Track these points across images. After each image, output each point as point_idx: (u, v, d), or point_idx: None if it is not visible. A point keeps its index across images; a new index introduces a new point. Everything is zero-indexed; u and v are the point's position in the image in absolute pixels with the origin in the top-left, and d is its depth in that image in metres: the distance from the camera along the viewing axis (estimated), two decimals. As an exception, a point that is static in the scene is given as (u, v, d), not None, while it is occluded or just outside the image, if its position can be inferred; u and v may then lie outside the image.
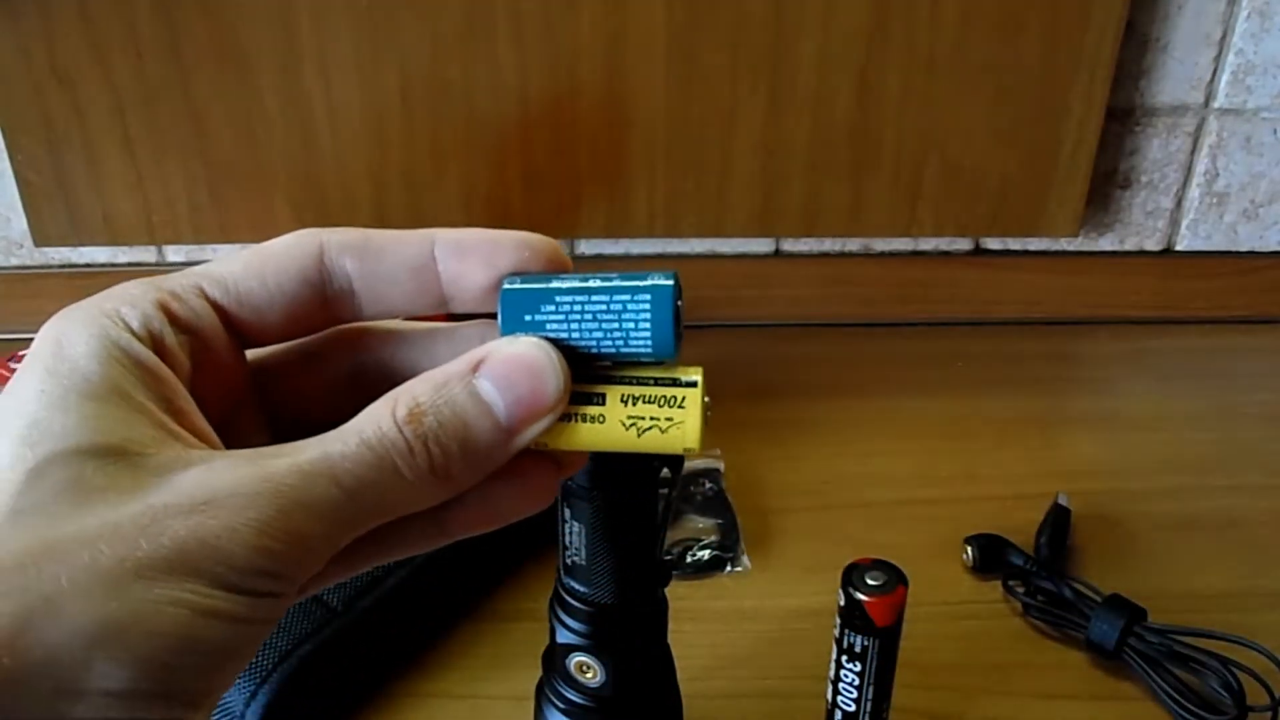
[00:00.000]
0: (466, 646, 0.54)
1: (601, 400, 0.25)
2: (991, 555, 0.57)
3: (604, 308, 0.24)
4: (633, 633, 0.38)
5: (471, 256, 0.25)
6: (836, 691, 0.45)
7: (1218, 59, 0.73)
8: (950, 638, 0.54)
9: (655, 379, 0.25)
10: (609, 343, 0.24)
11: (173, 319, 0.23)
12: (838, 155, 0.73)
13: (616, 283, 0.24)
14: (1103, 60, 0.70)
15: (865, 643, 0.43)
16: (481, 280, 0.25)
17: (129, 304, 0.23)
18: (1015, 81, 0.71)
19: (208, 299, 0.24)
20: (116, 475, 0.20)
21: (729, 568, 0.58)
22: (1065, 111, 0.72)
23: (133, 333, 0.22)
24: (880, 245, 0.79)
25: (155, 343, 0.23)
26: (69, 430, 0.21)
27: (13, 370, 0.56)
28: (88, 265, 0.79)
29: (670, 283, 0.24)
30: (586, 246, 0.78)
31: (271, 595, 0.21)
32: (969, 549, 0.58)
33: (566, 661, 0.38)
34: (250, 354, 0.26)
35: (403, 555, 0.26)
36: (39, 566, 0.19)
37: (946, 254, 0.80)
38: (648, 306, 0.24)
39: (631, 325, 0.24)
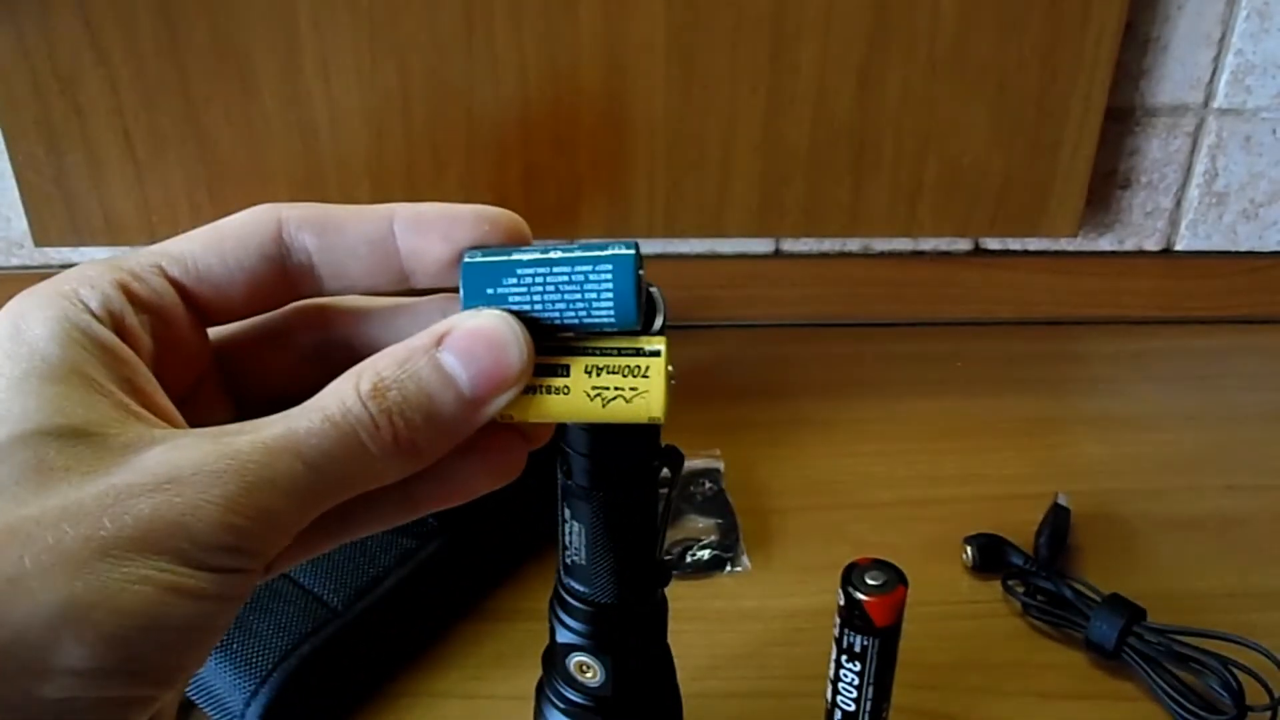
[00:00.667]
0: (466, 646, 0.54)
1: (566, 371, 0.25)
2: (991, 555, 0.57)
3: (565, 279, 0.24)
4: (633, 633, 0.38)
5: (430, 231, 0.25)
6: (836, 691, 0.45)
7: (1217, 59, 0.73)
8: (950, 637, 0.54)
9: (619, 349, 0.25)
10: (572, 314, 0.25)
11: (132, 298, 0.23)
12: (838, 155, 0.73)
13: (577, 253, 0.24)
14: (1102, 60, 0.70)
15: (865, 642, 0.43)
16: (441, 254, 0.25)
17: (88, 285, 0.23)
18: (1015, 81, 0.71)
19: (167, 277, 0.24)
20: (78, 456, 0.20)
21: (729, 568, 0.58)
22: (1065, 112, 0.72)
23: (92, 313, 0.22)
24: (880, 245, 0.79)
25: (115, 323, 0.23)
26: (29, 412, 0.21)
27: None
28: (88, 265, 0.79)
29: (631, 252, 0.24)
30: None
31: (238, 571, 0.21)
32: (968, 549, 0.58)
33: (566, 661, 0.38)
34: (213, 332, 0.26)
35: (371, 530, 0.26)
36: (1, 549, 0.19)
37: (946, 254, 0.80)
38: (609, 276, 0.24)
39: (594, 295, 0.24)
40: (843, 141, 0.72)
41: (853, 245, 0.80)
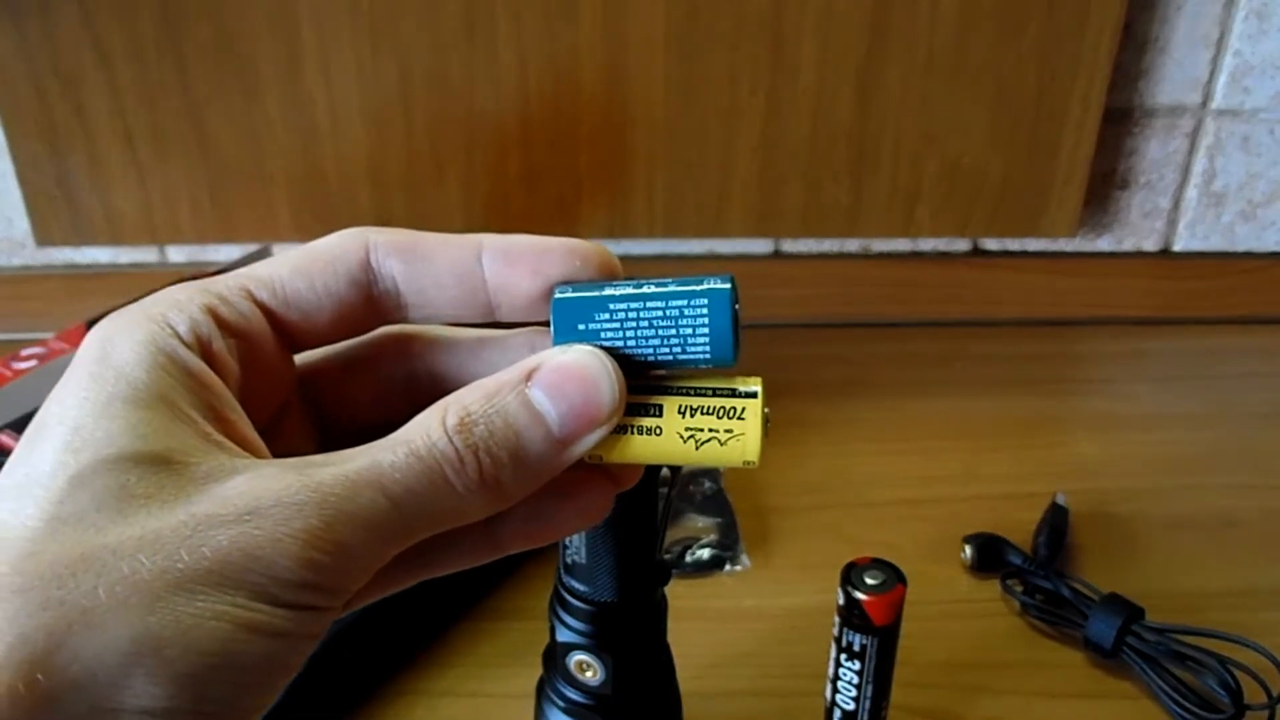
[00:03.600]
0: (467, 645, 0.54)
1: (658, 411, 0.24)
2: (990, 554, 0.57)
3: (659, 314, 0.23)
4: (633, 632, 0.38)
5: (519, 264, 0.24)
6: (835, 690, 0.46)
7: (1215, 60, 0.73)
8: (949, 637, 0.54)
9: (714, 389, 0.24)
10: (665, 350, 0.24)
11: (221, 323, 0.23)
12: (837, 155, 0.73)
13: (672, 288, 0.23)
14: (1101, 61, 0.70)
15: (864, 641, 0.44)
16: (529, 288, 0.24)
17: (176, 309, 0.22)
18: (1014, 82, 0.71)
19: (255, 301, 0.24)
20: (159, 484, 0.20)
21: (728, 567, 0.58)
22: (1064, 112, 0.72)
23: (180, 338, 0.22)
24: (880, 245, 0.80)
25: (203, 348, 0.22)
26: (112, 437, 0.20)
27: (14, 370, 0.57)
28: (90, 265, 0.79)
29: (728, 286, 0.23)
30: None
31: (316, 609, 0.20)
32: (967, 548, 0.58)
33: (567, 660, 0.39)
34: (298, 359, 0.26)
35: (453, 569, 0.25)
36: (76, 578, 0.18)
37: (945, 254, 0.80)
38: (705, 311, 0.23)
39: (689, 331, 0.23)
40: (842, 141, 0.73)
41: (852, 246, 0.80)
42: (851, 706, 0.45)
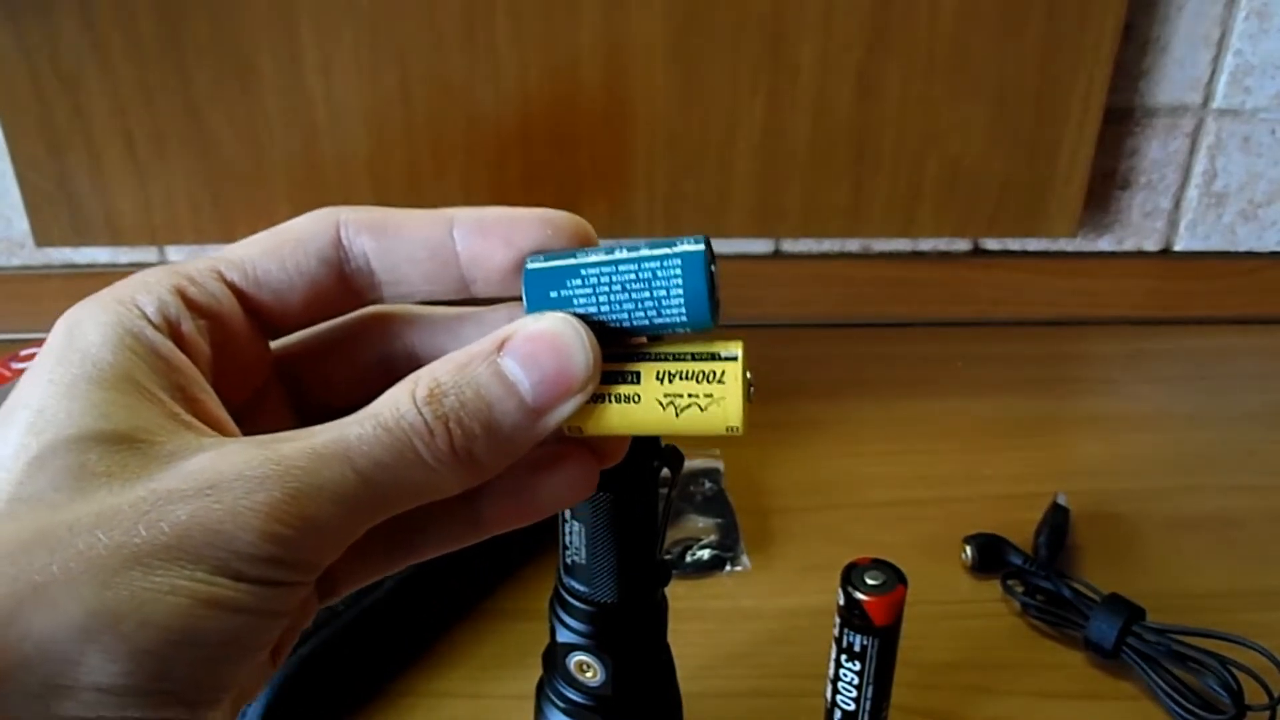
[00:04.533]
0: (467, 645, 0.54)
1: (636, 378, 0.23)
2: (990, 555, 0.57)
3: (633, 277, 0.23)
4: (633, 632, 0.38)
5: (491, 235, 0.24)
6: (836, 691, 0.46)
7: (1216, 60, 0.73)
8: (949, 637, 0.54)
9: (693, 354, 0.23)
10: (641, 315, 0.23)
11: (190, 304, 0.23)
12: (838, 155, 0.73)
13: (645, 251, 0.23)
14: (1102, 61, 0.70)
15: (864, 642, 0.43)
16: (502, 260, 0.24)
17: (144, 290, 0.22)
18: (1015, 82, 0.71)
19: (226, 282, 0.24)
20: (121, 462, 0.20)
21: (729, 567, 0.58)
22: (1064, 112, 0.72)
23: (148, 319, 0.22)
24: (880, 245, 0.80)
25: (171, 329, 0.22)
26: (74, 417, 0.20)
27: (14, 370, 0.56)
28: (89, 266, 0.79)
29: (700, 247, 0.23)
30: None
31: (281, 584, 0.20)
32: (968, 549, 0.58)
33: (567, 661, 0.39)
34: (275, 344, 0.26)
35: (439, 552, 0.25)
36: (29, 554, 0.18)
37: (946, 254, 0.80)
38: (679, 272, 0.23)
39: (663, 294, 0.23)
40: (842, 142, 0.72)
41: (852, 245, 0.80)
42: (852, 707, 0.45)
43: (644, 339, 0.24)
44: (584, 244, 0.24)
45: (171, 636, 0.19)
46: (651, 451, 0.35)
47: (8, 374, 0.56)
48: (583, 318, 0.23)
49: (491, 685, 0.52)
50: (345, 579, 0.25)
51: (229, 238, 0.75)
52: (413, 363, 0.25)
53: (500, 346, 0.22)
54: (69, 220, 0.74)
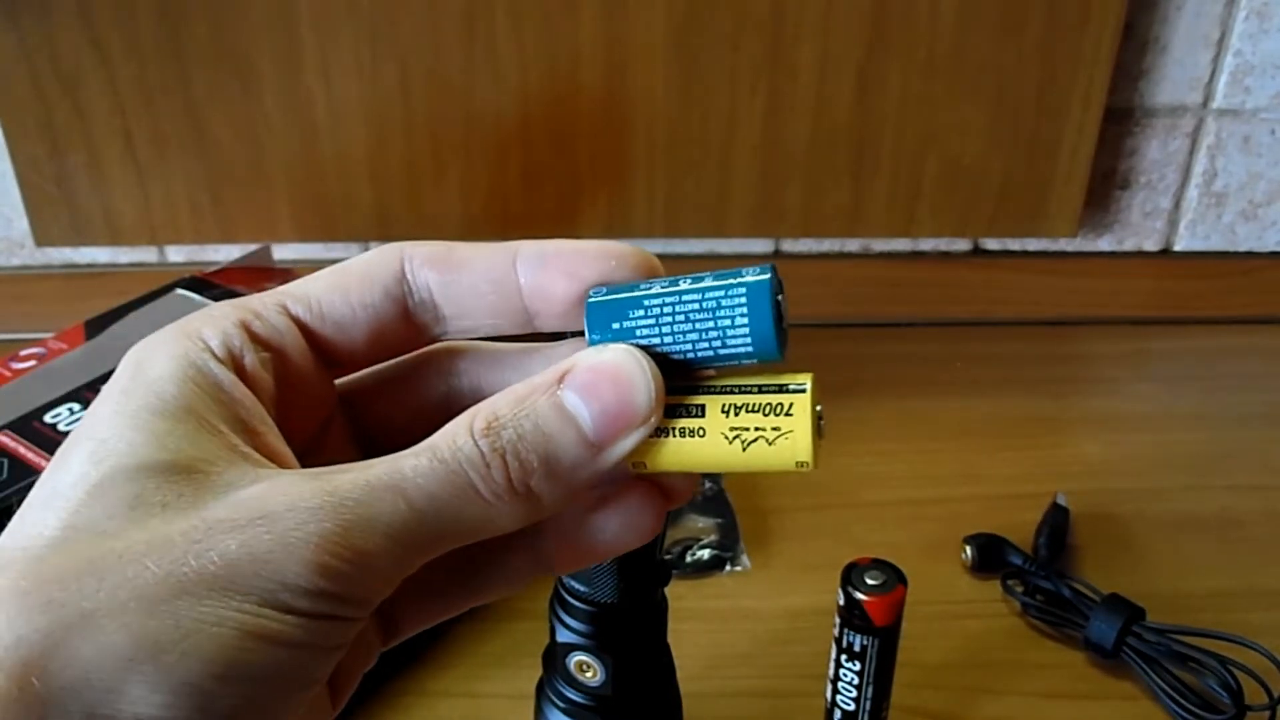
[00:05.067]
0: (467, 645, 0.54)
1: (700, 412, 0.23)
2: (990, 555, 0.57)
3: (696, 308, 0.22)
4: (633, 632, 0.38)
5: (553, 268, 0.24)
6: (836, 691, 0.46)
7: (1216, 59, 0.73)
8: (949, 637, 0.54)
9: (759, 386, 0.23)
10: (705, 346, 0.22)
11: (254, 337, 0.23)
12: (838, 155, 0.73)
13: (709, 281, 0.22)
14: (1102, 61, 0.70)
15: (864, 642, 0.43)
16: (565, 292, 0.24)
17: (210, 324, 0.22)
18: (1015, 82, 0.71)
19: (290, 316, 0.24)
20: (177, 492, 0.20)
21: (729, 567, 0.58)
22: (1064, 112, 0.72)
23: (212, 353, 0.22)
24: (880, 245, 0.80)
25: (235, 363, 0.22)
26: (134, 447, 0.20)
27: (13, 370, 0.56)
28: (89, 265, 0.79)
29: (767, 276, 0.22)
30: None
31: (333, 618, 0.20)
32: (968, 549, 0.58)
33: (566, 660, 0.39)
34: (340, 381, 0.26)
35: (504, 594, 0.25)
36: (79, 581, 0.18)
37: (946, 254, 0.80)
38: (743, 302, 0.22)
39: (728, 324, 0.22)
40: (842, 142, 0.72)
41: (852, 245, 0.80)
42: (852, 707, 0.45)
43: (710, 371, 0.23)
44: (648, 275, 0.24)
45: (216, 669, 0.18)
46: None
47: (7, 374, 0.56)
48: (646, 350, 0.23)
49: (491, 685, 0.52)
50: (408, 620, 0.25)
51: (229, 238, 0.75)
52: (477, 398, 0.25)
53: (561, 379, 0.22)
54: (69, 220, 0.74)
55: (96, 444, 0.20)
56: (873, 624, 0.43)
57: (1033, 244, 0.79)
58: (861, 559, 0.44)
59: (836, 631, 0.44)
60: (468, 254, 0.24)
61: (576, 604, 0.37)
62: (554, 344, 0.26)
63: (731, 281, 0.22)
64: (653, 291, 0.23)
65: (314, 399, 0.25)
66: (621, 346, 0.22)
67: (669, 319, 0.23)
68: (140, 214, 0.74)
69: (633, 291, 0.23)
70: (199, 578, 0.18)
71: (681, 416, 0.23)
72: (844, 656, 0.44)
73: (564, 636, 0.38)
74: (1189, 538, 0.60)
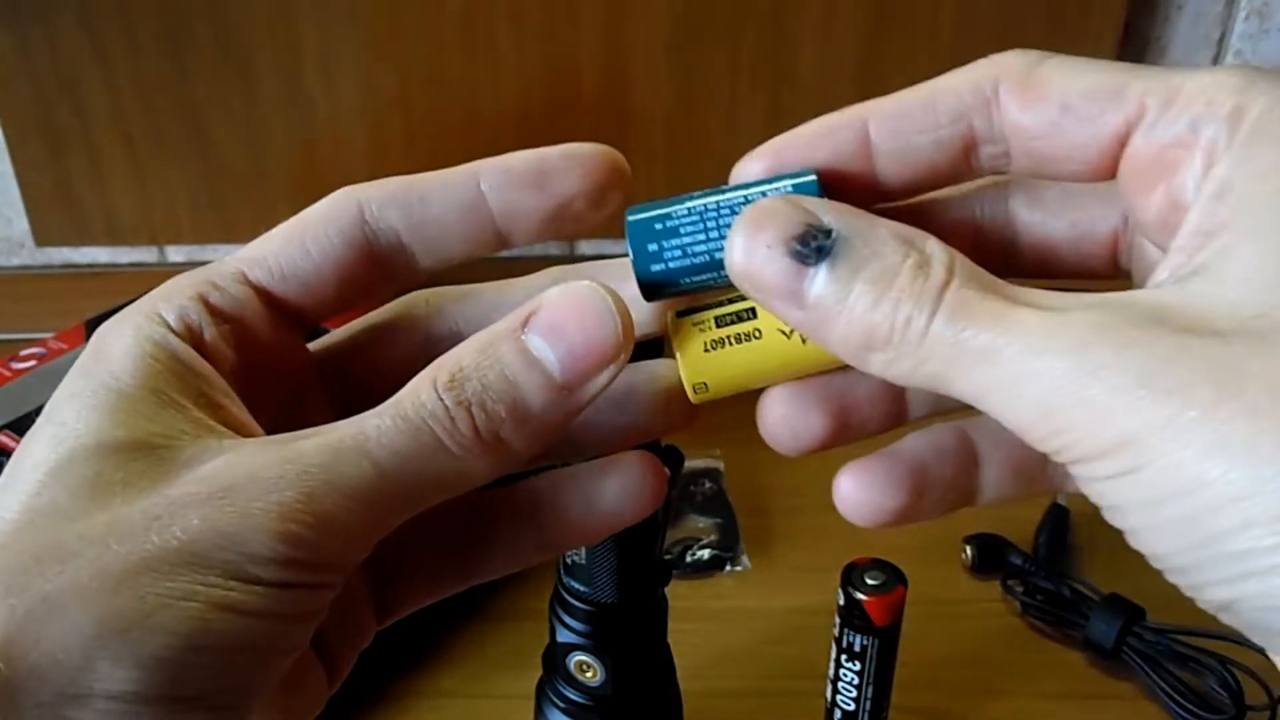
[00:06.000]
0: (467, 645, 0.54)
1: (751, 314, 0.22)
2: (990, 555, 0.57)
3: (742, 204, 0.22)
4: (633, 632, 0.38)
5: (522, 185, 0.23)
6: (836, 691, 0.46)
7: (1216, 60, 0.73)
8: (949, 637, 0.54)
9: None
10: None
11: (211, 310, 0.22)
12: (837, 156, 0.73)
13: (753, 185, 0.22)
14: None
15: (864, 642, 0.43)
16: (538, 208, 0.23)
17: (167, 299, 0.22)
18: (1014, 82, 0.71)
19: (250, 284, 0.23)
20: (138, 470, 0.19)
21: (729, 567, 0.58)
22: (1064, 112, 0.72)
23: (169, 327, 0.22)
24: (880, 245, 0.79)
25: (193, 337, 0.22)
26: (92, 427, 0.20)
27: (13, 370, 0.56)
28: (89, 265, 0.79)
29: (813, 177, 0.22)
30: (587, 246, 0.79)
31: (303, 586, 0.19)
32: (968, 549, 0.58)
33: (567, 661, 0.39)
34: (315, 346, 0.25)
35: (504, 571, 0.25)
36: (41, 565, 0.18)
37: (946, 254, 0.80)
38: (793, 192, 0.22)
39: None
40: (842, 142, 0.72)
41: (852, 245, 0.80)
42: (852, 707, 0.45)
43: None
44: (618, 175, 0.23)
45: (184, 642, 0.18)
46: (651, 451, 0.35)
47: (7, 374, 0.56)
48: (693, 268, 0.22)
49: (492, 685, 0.52)
50: (403, 597, 0.25)
51: (229, 238, 0.75)
52: (457, 340, 0.24)
53: (525, 322, 0.21)
54: (69, 220, 0.74)
55: (56, 427, 0.20)
56: (873, 624, 0.43)
57: (1033, 244, 0.79)
58: (861, 559, 0.44)
59: (836, 631, 0.44)
60: (428, 187, 0.24)
61: (576, 604, 0.37)
62: (530, 276, 0.25)
63: (776, 183, 0.22)
64: (694, 202, 0.22)
65: (285, 366, 0.24)
66: (586, 283, 0.21)
67: (714, 221, 0.22)
68: (140, 214, 0.74)
69: (671, 206, 0.22)
70: (162, 554, 0.18)
71: (734, 324, 0.22)
72: (844, 656, 0.44)
73: (564, 636, 0.38)
74: (1189, 538, 0.60)
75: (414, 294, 0.25)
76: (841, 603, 0.43)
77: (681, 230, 0.22)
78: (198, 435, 0.20)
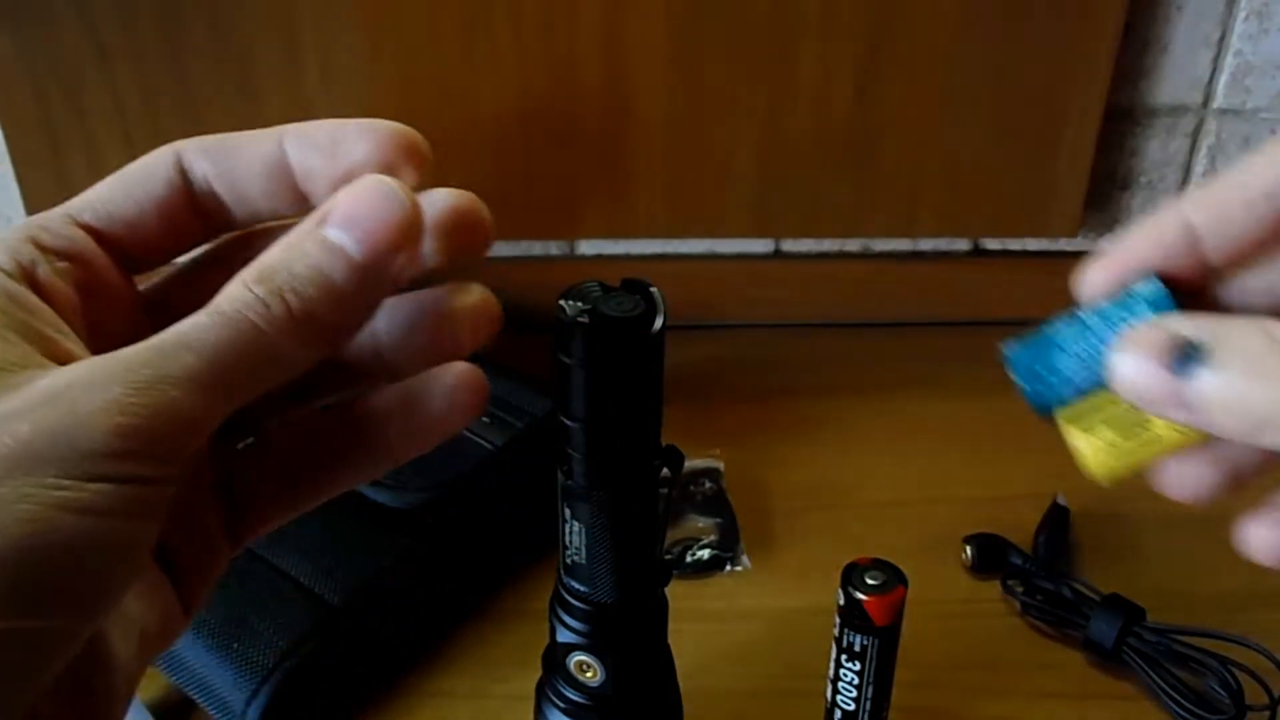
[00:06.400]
0: (467, 646, 0.54)
1: (1138, 412, 0.27)
2: (990, 555, 0.57)
3: (1106, 330, 0.27)
4: (633, 632, 0.38)
5: (320, 149, 0.25)
6: (836, 690, 0.46)
7: (1216, 60, 0.73)
8: (949, 637, 0.54)
9: None
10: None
11: (44, 249, 0.24)
12: (838, 155, 0.73)
13: (1106, 305, 0.27)
14: (1102, 61, 0.70)
15: (865, 642, 0.43)
16: (332, 171, 0.25)
17: None
18: (1015, 82, 0.71)
19: (79, 224, 0.25)
20: None
21: (729, 567, 0.58)
22: (1065, 112, 0.72)
23: (1, 269, 0.23)
24: (880, 245, 0.80)
25: (26, 275, 0.23)
26: None
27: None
28: (89, 265, 0.79)
29: (1158, 285, 0.26)
30: (587, 247, 0.79)
31: (140, 480, 0.20)
32: (968, 549, 0.58)
33: (567, 661, 0.39)
34: (143, 284, 0.27)
35: (350, 484, 0.26)
36: None
37: (946, 254, 0.80)
38: (1148, 312, 0.26)
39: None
40: (842, 142, 0.72)
41: (853, 245, 0.80)
42: (852, 707, 0.45)
43: None
44: (412, 151, 0.25)
45: (24, 543, 0.18)
46: (652, 451, 0.35)
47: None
48: (1075, 387, 0.28)
49: (492, 685, 0.52)
50: (255, 523, 0.26)
51: (229, 238, 0.75)
52: None
53: (322, 220, 0.23)
54: (69, 220, 0.74)
55: None
56: (873, 624, 0.43)
57: (1033, 244, 0.79)
58: (861, 559, 0.44)
59: (836, 631, 0.44)
60: (239, 142, 0.25)
61: (576, 604, 0.37)
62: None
63: (1131, 302, 0.27)
64: (1060, 328, 0.28)
65: (119, 303, 0.25)
66: (371, 176, 0.23)
67: (1086, 346, 0.27)
68: (140, 214, 0.74)
69: (1043, 338, 0.29)
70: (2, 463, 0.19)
71: (1124, 426, 0.28)
72: (844, 656, 0.44)
73: (564, 636, 0.38)
74: (1189, 538, 0.60)
75: (232, 234, 0.27)
76: (841, 603, 0.43)
77: (1058, 360, 0.28)
78: (27, 365, 0.21)
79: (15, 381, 0.20)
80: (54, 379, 0.20)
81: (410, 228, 0.23)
